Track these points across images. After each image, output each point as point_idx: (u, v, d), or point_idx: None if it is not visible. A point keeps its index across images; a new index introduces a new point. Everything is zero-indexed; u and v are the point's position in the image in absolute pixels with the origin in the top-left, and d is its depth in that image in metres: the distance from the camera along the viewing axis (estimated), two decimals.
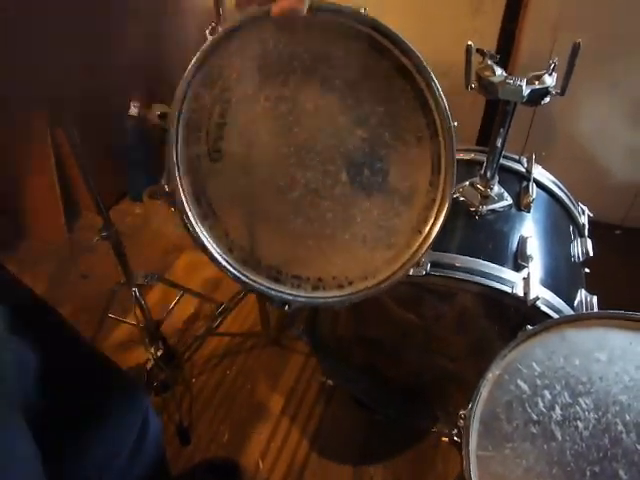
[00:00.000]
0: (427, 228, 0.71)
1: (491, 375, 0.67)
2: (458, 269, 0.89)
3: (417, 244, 0.71)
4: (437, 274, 0.88)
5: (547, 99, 0.91)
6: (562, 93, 0.90)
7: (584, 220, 1.19)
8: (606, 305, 1.04)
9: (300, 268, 0.69)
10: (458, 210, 1.02)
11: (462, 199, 1.03)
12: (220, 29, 0.57)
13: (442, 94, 0.67)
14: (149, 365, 1.46)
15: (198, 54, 0.57)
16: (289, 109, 0.64)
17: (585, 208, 1.23)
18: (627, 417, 0.62)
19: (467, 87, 0.94)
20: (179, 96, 0.57)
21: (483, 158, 1.05)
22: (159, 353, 1.46)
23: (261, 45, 0.60)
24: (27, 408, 0.61)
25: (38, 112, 1.88)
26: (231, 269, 0.64)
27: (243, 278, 0.65)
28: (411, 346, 1.18)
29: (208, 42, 0.57)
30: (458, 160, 1.13)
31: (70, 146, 1.20)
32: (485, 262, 0.91)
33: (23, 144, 2.00)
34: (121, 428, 0.80)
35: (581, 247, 1.12)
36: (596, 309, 1.01)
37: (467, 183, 1.05)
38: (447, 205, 0.71)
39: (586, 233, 1.17)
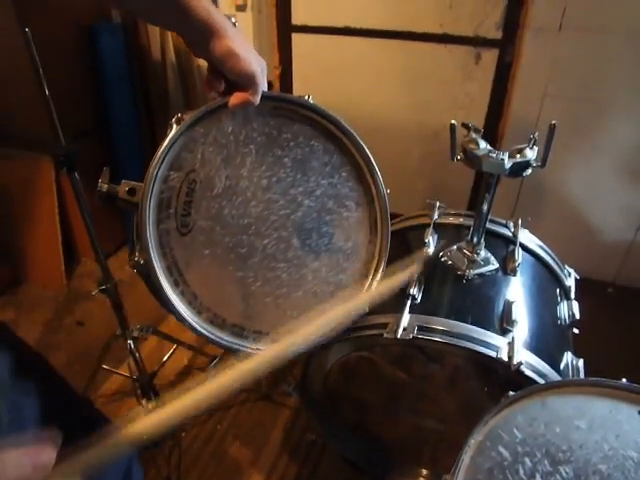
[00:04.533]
0: (368, 281, 0.83)
1: (473, 441, 0.68)
2: (445, 333, 0.91)
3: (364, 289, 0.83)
4: (424, 337, 0.90)
5: (529, 171, 0.96)
6: (543, 165, 0.95)
7: (571, 283, 1.22)
8: (596, 365, 1.06)
9: (260, 324, 0.77)
10: (446, 274, 1.06)
11: (450, 263, 1.07)
12: (186, 118, 0.66)
13: (377, 169, 0.80)
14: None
15: (166, 142, 0.65)
16: (247, 186, 0.73)
17: (572, 271, 1.26)
18: None
19: (453, 159, 0.99)
20: (150, 179, 0.65)
21: (471, 222, 1.09)
22: (151, 406, 1.46)
23: (221, 131, 0.70)
24: None
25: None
26: (200, 329, 0.71)
27: (211, 336, 0.72)
28: (401, 406, 1.19)
29: (175, 131, 0.66)
30: (447, 224, 1.20)
31: (74, 194, 1.25)
32: (471, 326, 0.93)
33: (28, 190, 2.05)
34: (104, 476, 0.81)
35: (567, 310, 1.15)
36: (582, 372, 1.03)
37: (455, 247, 1.09)
38: (384, 259, 0.82)
39: (572, 296, 1.19)
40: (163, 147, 0.65)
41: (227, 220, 0.72)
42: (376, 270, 0.81)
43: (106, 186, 0.69)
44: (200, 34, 0.63)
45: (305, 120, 0.75)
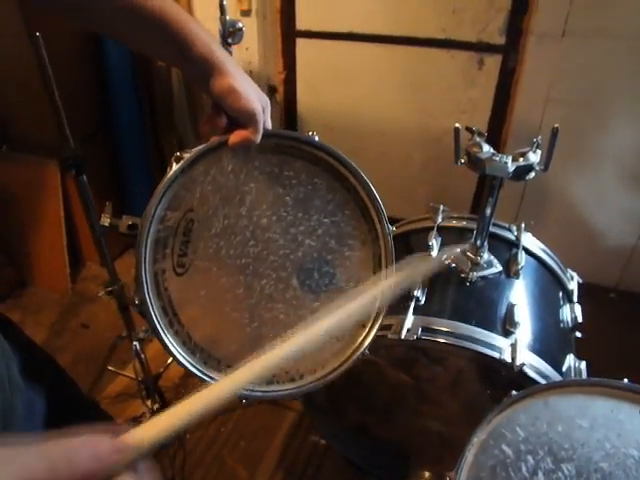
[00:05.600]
0: (370, 322, 0.77)
1: (476, 439, 0.69)
2: (448, 334, 0.92)
3: (361, 337, 0.77)
4: (428, 338, 0.91)
5: (532, 174, 0.97)
6: (546, 169, 0.96)
7: (573, 286, 1.23)
8: (598, 369, 1.07)
9: None
10: (450, 276, 1.07)
11: (453, 266, 1.08)
12: (185, 157, 0.65)
13: (382, 205, 0.75)
14: (145, 419, 1.47)
15: (165, 181, 0.64)
16: (246, 225, 0.71)
17: (574, 274, 1.27)
18: None
19: (456, 162, 1.00)
20: (147, 218, 0.64)
21: (474, 226, 1.10)
22: (155, 407, 1.47)
23: (220, 170, 0.69)
24: None
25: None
26: (194, 370, 0.69)
27: (205, 378, 0.70)
28: (404, 408, 1.20)
29: (174, 170, 0.65)
30: (450, 227, 1.20)
31: (81, 196, 1.26)
32: (474, 328, 0.95)
33: (34, 194, 2.07)
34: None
35: (570, 313, 1.15)
36: (585, 374, 1.04)
37: (458, 250, 1.10)
38: (388, 302, 0.76)
39: (575, 299, 1.20)
40: (161, 186, 0.64)
41: (224, 260, 0.71)
42: (379, 311, 0.77)
43: (108, 220, 0.69)
44: (201, 70, 0.62)
45: (308, 157, 0.73)
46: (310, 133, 0.72)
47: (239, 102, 0.62)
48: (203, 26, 0.62)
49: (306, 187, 0.74)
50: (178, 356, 0.68)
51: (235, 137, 0.65)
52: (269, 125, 0.68)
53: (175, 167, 0.65)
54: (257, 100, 0.64)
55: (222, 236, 0.70)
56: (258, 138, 0.65)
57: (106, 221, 0.69)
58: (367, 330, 0.77)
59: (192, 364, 0.69)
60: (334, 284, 0.77)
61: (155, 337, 0.67)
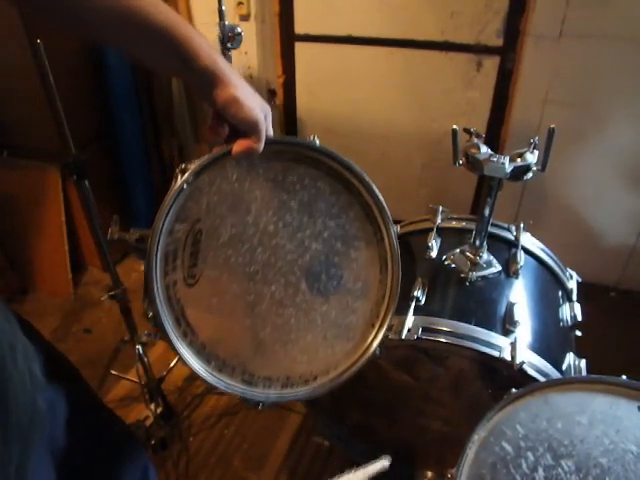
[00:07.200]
0: (379, 321, 0.79)
1: (477, 437, 0.70)
2: (449, 334, 0.93)
3: (371, 336, 0.79)
4: (428, 338, 0.92)
5: (529, 175, 0.98)
6: (543, 169, 0.97)
7: (572, 285, 1.24)
8: (598, 368, 1.07)
9: (270, 370, 0.76)
10: (449, 276, 1.08)
11: (453, 266, 1.09)
12: (190, 168, 0.66)
13: (385, 205, 0.76)
14: (148, 422, 1.47)
15: (171, 194, 0.65)
16: (253, 233, 0.72)
17: (574, 273, 1.28)
18: None
19: (455, 163, 1.01)
20: (155, 232, 0.65)
21: (473, 226, 1.11)
22: (159, 410, 1.48)
23: (225, 179, 0.70)
24: (54, 453, 0.65)
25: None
26: (210, 378, 0.71)
27: (220, 385, 0.72)
28: (406, 408, 1.20)
29: (179, 182, 0.65)
30: (450, 228, 1.21)
31: (83, 201, 1.27)
32: (475, 327, 0.95)
33: (36, 199, 2.09)
34: (124, 476, 0.84)
35: (570, 311, 1.16)
36: (584, 372, 1.04)
37: (458, 250, 1.11)
38: (395, 299, 0.79)
39: (575, 298, 1.21)
40: (168, 199, 0.65)
41: (234, 268, 0.72)
42: (387, 310, 0.78)
43: (117, 235, 0.70)
44: (203, 82, 0.62)
45: (310, 161, 0.74)
46: (311, 137, 0.73)
47: (242, 112, 0.63)
48: (204, 36, 0.63)
49: (310, 191, 0.75)
50: (192, 364, 0.70)
51: (238, 147, 0.65)
52: (271, 133, 0.69)
53: (180, 179, 0.66)
54: (259, 109, 0.65)
55: (230, 245, 0.71)
56: (261, 147, 0.66)
57: (115, 235, 0.70)
58: (376, 329, 0.79)
59: (208, 373, 0.71)
60: (342, 285, 0.78)
61: (171, 348, 0.68)
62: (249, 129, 0.65)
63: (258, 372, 0.75)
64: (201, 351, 0.71)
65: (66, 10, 0.57)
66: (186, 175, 0.66)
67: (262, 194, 0.72)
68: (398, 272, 0.78)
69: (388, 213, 0.77)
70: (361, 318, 0.79)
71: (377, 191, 0.76)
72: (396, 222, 0.79)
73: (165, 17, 0.59)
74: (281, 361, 0.76)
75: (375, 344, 0.78)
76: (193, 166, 0.66)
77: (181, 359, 0.69)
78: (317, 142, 0.73)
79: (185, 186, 0.66)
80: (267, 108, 0.68)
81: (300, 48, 2.18)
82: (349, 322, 0.79)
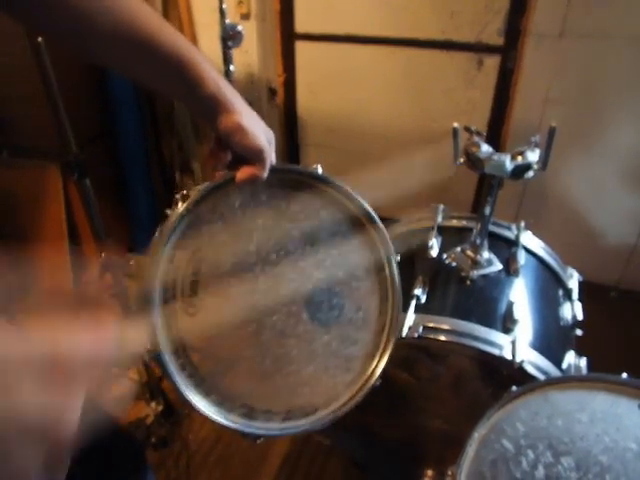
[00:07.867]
0: (379, 353, 0.78)
1: (477, 434, 0.70)
2: (449, 332, 0.93)
3: (371, 368, 0.77)
4: (429, 336, 0.92)
5: (530, 173, 0.98)
6: (544, 168, 0.97)
7: (573, 284, 1.24)
8: (599, 367, 1.07)
9: (270, 403, 0.74)
10: (450, 275, 1.08)
11: (454, 264, 1.09)
12: (191, 195, 0.64)
13: (387, 235, 0.76)
14: (149, 420, 1.48)
15: (173, 219, 0.63)
16: (255, 261, 0.71)
17: (574, 272, 1.28)
18: (607, 477, 0.65)
19: (455, 162, 1.01)
20: (155, 260, 0.63)
21: (474, 225, 1.11)
22: (159, 408, 1.48)
23: (228, 207, 0.68)
24: None
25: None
26: (209, 413, 0.68)
27: (220, 420, 0.68)
28: (406, 407, 1.21)
29: (181, 208, 0.64)
30: (450, 227, 1.21)
31: (84, 200, 1.27)
32: (475, 325, 0.95)
33: (36, 199, 2.08)
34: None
35: (570, 310, 1.16)
36: (585, 371, 1.04)
37: (458, 249, 1.11)
38: (396, 330, 0.78)
39: (575, 297, 1.21)
40: (168, 227, 0.63)
41: (235, 298, 0.70)
42: (387, 341, 0.77)
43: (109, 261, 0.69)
44: (208, 108, 0.62)
45: (313, 189, 0.73)
46: (315, 167, 0.72)
47: (246, 140, 0.62)
48: (210, 61, 0.62)
49: (312, 220, 0.74)
50: (191, 398, 0.66)
51: (242, 174, 0.64)
52: (274, 160, 0.68)
53: (181, 206, 0.64)
54: (264, 137, 0.64)
55: (231, 274, 0.69)
56: (265, 175, 0.65)
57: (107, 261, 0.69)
58: (377, 360, 0.77)
59: (207, 407, 0.68)
60: (344, 315, 0.77)
61: (168, 381, 0.65)
62: (253, 157, 0.64)
63: (258, 405, 0.73)
64: (200, 384, 0.68)
65: (74, 34, 0.57)
66: (187, 203, 0.64)
67: (265, 222, 0.71)
68: (399, 301, 0.78)
69: (389, 242, 0.77)
70: (362, 349, 0.78)
71: (379, 220, 0.76)
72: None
73: (173, 42, 0.59)
74: (282, 394, 0.74)
75: (376, 375, 0.77)
76: (195, 193, 0.65)
77: (179, 394, 0.66)
78: (320, 170, 0.72)
79: (186, 213, 0.64)
80: (271, 135, 0.67)
81: (300, 47, 2.18)
82: (350, 353, 0.77)
